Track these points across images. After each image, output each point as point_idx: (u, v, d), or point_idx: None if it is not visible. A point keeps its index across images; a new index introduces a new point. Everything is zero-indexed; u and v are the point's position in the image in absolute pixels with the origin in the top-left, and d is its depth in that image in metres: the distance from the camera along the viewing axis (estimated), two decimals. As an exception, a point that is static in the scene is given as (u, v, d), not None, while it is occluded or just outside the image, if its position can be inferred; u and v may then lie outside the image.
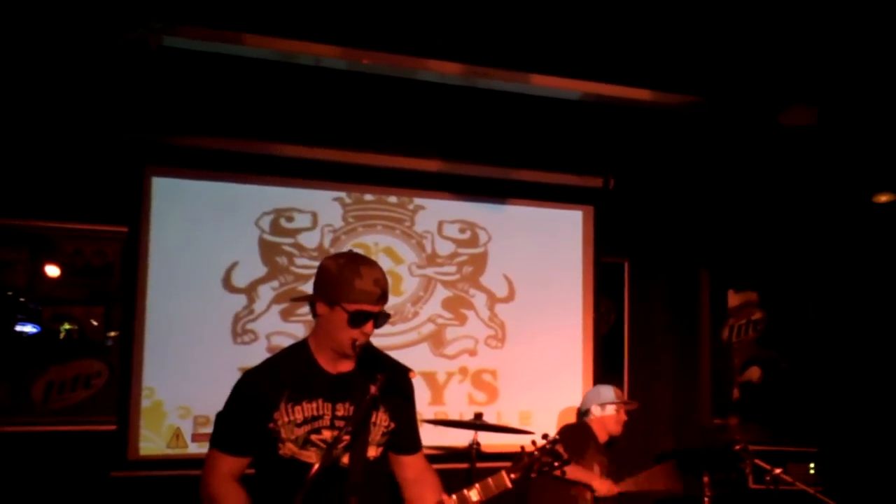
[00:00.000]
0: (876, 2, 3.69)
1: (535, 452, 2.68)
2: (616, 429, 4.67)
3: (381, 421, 2.66)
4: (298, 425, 2.54)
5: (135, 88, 4.63)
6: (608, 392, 4.72)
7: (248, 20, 4.00)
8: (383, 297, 2.57)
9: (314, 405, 2.57)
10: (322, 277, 2.59)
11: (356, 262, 2.57)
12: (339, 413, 2.58)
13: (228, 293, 4.98)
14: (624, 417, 4.67)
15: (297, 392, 2.56)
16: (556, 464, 2.67)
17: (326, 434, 2.55)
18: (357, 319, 2.52)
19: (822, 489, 4.63)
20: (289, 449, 2.53)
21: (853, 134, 5.03)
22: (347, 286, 2.51)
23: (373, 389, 2.45)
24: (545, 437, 2.71)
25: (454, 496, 2.59)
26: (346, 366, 2.64)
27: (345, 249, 5.03)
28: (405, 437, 2.78)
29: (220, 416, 2.65)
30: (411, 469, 2.81)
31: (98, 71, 4.41)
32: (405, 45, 4.18)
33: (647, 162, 5.82)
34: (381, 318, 2.59)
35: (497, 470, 2.67)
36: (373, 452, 2.64)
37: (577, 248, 5.81)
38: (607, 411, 4.63)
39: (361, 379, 2.55)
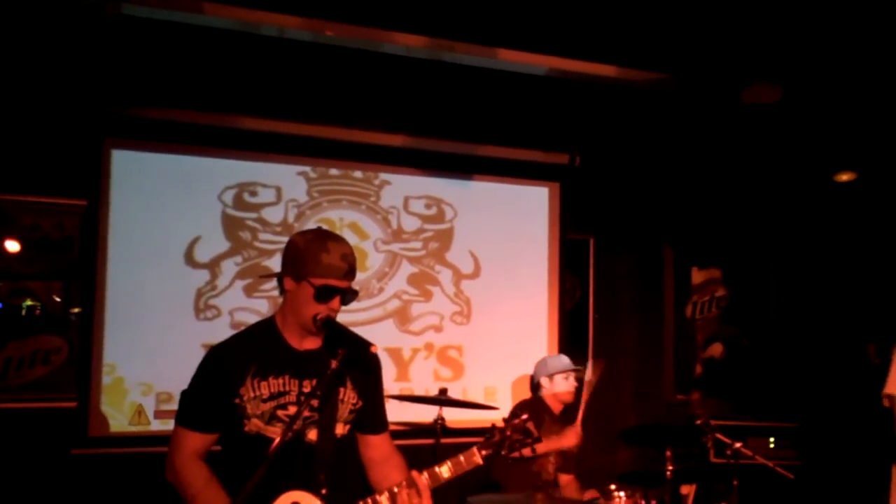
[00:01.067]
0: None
1: (507, 430, 2.65)
2: (568, 397, 4.61)
3: (348, 398, 2.65)
4: (265, 401, 2.52)
5: (93, 58, 4.52)
6: (555, 362, 4.67)
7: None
8: (350, 273, 2.55)
9: (280, 381, 2.55)
10: (289, 252, 2.57)
11: (324, 238, 2.55)
12: (306, 389, 2.55)
13: (191, 268, 4.92)
14: (574, 384, 4.61)
15: (263, 368, 2.55)
16: (527, 441, 2.64)
17: (293, 410, 2.52)
18: (323, 294, 2.50)
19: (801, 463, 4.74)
20: (254, 425, 2.51)
21: (815, 113, 5.08)
22: (314, 261, 2.49)
23: (333, 364, 2.43)
24: (514, 414, 2.71)
25: (425, 472, 2.57)
26: (313, 343, 2.62)
27: (310, 224, 5.03)
28: (372, 415, 2.75)
29: (185, 393, 2.63)
30: (377, 449, 2.78)
31: (55, 40, 4.30)
32: (370, 17, 4.12)
33: (613, 139, 5.83)
34: (348, 295, 2.57)
35: (465, 446, 2.66)
36: (340, 430, 2.62)
37: (543, 224, 5.81)
38: (556, 381, 4.59)
39: (328, 356, 2.52)
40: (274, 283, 2.70)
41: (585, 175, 5.86)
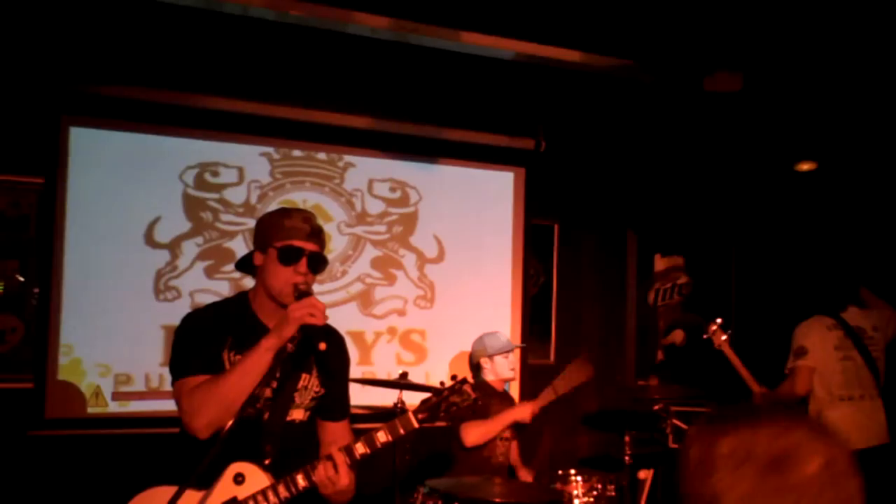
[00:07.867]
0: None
1: (444, 392, 2.62)
2: (510, 374, 4.50)
3: (311, 386, 2.64)
4: None
5: (51, 33, 4.43)
6: (493, 342, 4.50)
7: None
8: (314, 235, 2.55)
9: None
10: (256, 230, 2.64)
11: (286, 209, 2.66)
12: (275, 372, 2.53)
13: (150, 249, 4.85)
14: (515, 361, 4.53)
15: (238, 341, 2.53)
16: (464, 403, 2.62)
17: (258, 389, 2.50)
18: (287, 256, 2.49)
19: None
20: None
21: (777, 103, 5.13)
22: (276, 226, 2.55)
23: (289, 347, 2.43)
24: (454, 377, 2.67)
25: (362, 438, 2.52)
26: None
27: (272, 206, 4.98)
28: (333, 403, 2.73)
29: (175, 349, 2.56)
30: (333, 436, 2.73)
31: (10, 14, 4.20)
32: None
33: (578, 125, 5.84)
34: (314, 259, 2.54)
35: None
36: (298, 416, 2.62)
37: (508, 209, 5.82)
38: (497, 362, 4.45)
39: (300, 340, 2.49)
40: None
41: (551, 160, 5.87)
